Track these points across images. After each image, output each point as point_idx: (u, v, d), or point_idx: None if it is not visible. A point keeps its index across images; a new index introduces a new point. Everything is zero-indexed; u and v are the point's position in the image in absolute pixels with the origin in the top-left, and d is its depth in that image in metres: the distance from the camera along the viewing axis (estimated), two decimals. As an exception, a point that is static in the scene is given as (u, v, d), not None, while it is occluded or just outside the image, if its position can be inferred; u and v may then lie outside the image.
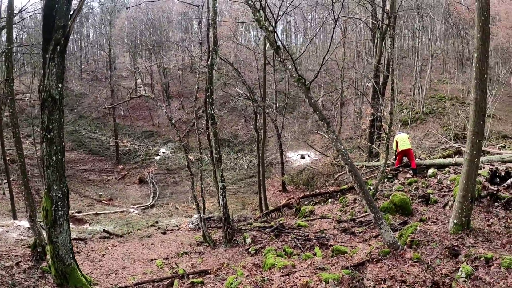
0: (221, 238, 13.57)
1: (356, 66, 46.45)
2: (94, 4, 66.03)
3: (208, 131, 15.77)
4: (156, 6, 58.64)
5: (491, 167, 12.19)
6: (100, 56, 70.20)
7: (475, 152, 8.08)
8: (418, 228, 8.85)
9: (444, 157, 18.06)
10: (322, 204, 16.35)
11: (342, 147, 8.32)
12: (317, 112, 8.28)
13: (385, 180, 15.83)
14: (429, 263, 7.50)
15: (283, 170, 30.78)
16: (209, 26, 13.05)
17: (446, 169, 14.69)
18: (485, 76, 7.84)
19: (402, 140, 15.76)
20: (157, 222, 20.40)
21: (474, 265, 7.03)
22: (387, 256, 8.02)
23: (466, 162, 8.25)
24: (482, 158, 14.81)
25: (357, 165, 19.79)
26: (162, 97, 55.72)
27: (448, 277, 6.84)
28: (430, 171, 14.61)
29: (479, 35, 7.81)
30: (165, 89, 56.74)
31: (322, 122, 8.25)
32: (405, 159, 16.18)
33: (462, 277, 6.70)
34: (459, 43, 52.74)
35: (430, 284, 6.64)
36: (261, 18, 8.48)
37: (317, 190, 18.44)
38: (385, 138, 13.43)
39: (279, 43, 8.72)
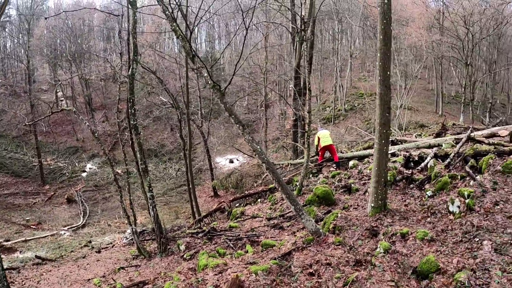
0: (156, 249, 13.45)
1: (278, 69, 47.61)
2: (11, 12, 60.99)
3: (132, 142, 15.51)
4: (77, 14, 56.08)
5: (406, 153, 13.02)
6: (18, 69, 65.92)
7: (383, 141, 8.80)
8: (339, 215, 9.36)
9: (365, 148, 18.90)
10: (252, 204, 16.60)
11: (258, 147, 8.64)
12: (233, 116, 8.58)
13: (310, 175, 16.35)
14: (352, 244, 7.95)
15: (213, 176, 30.84)
16: (129, 35, 12.88)
17: (366, 159, 15.45)
18: (388, 73, 8.56)
19: (324, 136, 16.35)
20: (90, 242, 19.73)
21: (391, 241, 7.58)
22: (311, 243, 8.41)
23: (376, 151, 8.98)
24: (400, 146, 15.77)
25: (282, 164, 20.34)
26: (85, 109, 53.49)
27: (369, 255, 7.30)
28: (351, 162, 15.30)
29: (381, 37, 8.50)
30: (87, 101, 54.56)
31: (237, 125, 8.52)
32: (328, 154, 16.78)
33: (381, 252, 7.20)
34: (376, 43, 55.40)
35: (353, 263, 7.05)
36: (177, 28, 8.61)
37: (246, 192, 18.70)
38: (306, 136, 13.90)
39: (204, 50, 8.85)
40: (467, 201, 8.01)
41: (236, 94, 52.76)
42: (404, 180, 11.04)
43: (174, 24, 8.59)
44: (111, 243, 18.57)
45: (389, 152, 14.51)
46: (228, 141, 39.92)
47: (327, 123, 42.63)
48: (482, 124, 34.54)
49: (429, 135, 19.12)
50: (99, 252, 16.76)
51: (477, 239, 6.75)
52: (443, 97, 46.92)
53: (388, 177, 11.07)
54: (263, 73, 40.04)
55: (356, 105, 44.40)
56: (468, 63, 37.93)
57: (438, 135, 17.66)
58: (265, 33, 37.90)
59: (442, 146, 13.67)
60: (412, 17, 49.43)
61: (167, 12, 8.66)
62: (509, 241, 6.44)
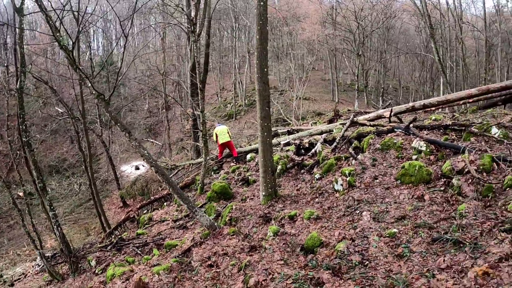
0: (68, 270, 13.05)
1: (178, 69, 47.43)
2: None
3: (27, 161, 14.76)
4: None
5: (297, 141, 13.78)
6: None
7: (265, 133, 9.38)
8: (234, 207, 9.77)
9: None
10: (159, 209, 16.52)
11: (146, 152, 8.75)
12: (118, 124, 8.61)
13: (212, 173, 16.62)
14: (247, 233, 8.36)
15: (119, 185, 30.02)
16: (16, 46, 12.17)
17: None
18: (265, 70, 9.16)
19: (222, 133, 16.43)
20: (1, 276, 18.47)
21: (281, 224, 8.10)
22: (208, 237, 8.72)
23: (260, 143, 9.54)
24: (295, 135, 16.54)
25: (184, 164, 20.44)
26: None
27: (263, 240, 7.76)
28: (249, 156, 15.75)
29: (258, 36, 9.02)
30: (-23, 119, 50.36)
31: (124, 132, 8.56)
32: (228, 150, 17.14)
33: (271, 236, 7.68)
34: (273, 39, 56.99)
35: (248, 249, 7.44)
36: (61, 38, 8.43)
37: (152, 197, 18.57)
38: (201, 135, 14.13)
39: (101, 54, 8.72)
40: (348, 178, 8.79)
41: (136, 98, 51.81)
42: (296, 167, 11.70)
43: (57, 34, 8.37)
44: (23, 273, 17.50)
45: (284, 141, 15.37)
46: (132, 147, 38.85)
47: (229, 119, 43.34)
48: (375, 107, 37.05)
49: (324, 122, 20.26)
50: (12, 285, 15.79)
51: (358, 212, 7.44)
52: (339, 86, 49.63)
53: (280, 165, 11.76)
54: (162, 74, 39.68)
55: (256, 99, 45.42)
56: (360, 53, 40.51)
57: (330, 121, 18.75)
58: (162, 34, 37.63)
59: (333, 131, 14.62)
60: (307, 13, 51.80)
61: (50, 22, 8.34)
62: (386, 209, 7.17)
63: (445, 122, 10.88)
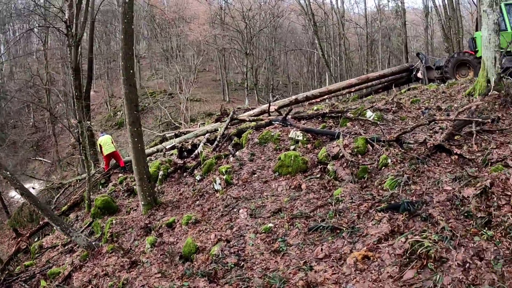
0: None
1: (63, 77, 44.64)
2: None
3: None
4: None
5: (181, 144, 13.33)
6: None
7: (136, 139, 8.81)
8: (114, 221, 9.11)
9: (152, 147, 19.01)
10: (51, 233, 15.24)
11: (8, 173, 7.93)
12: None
13: (100, 186, 15.65)
14: (129, 247, 7.81)
15: (8, 214, 27.33)
16: None
17: (152, 157, 15.46)
18: (131, 71, 8.61)
19: (106, 143, 15.46)
20: None
21: (159, 233, 7.67)
22: (87, 258, 8.04)
23: (131, 150, 9.01)
24: (181, 138, 16.11)
25: (70, 182, 19.14)
26: None
27: (143, 253, 7.28)
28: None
29: (122, 36, 8.45)
30: None
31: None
32: (114, 161, 16.27)
33: (149, 248, 7.22)
34: (162, 41, 55.77)
35: (128, 265, 6.92)
36: None
37: (41, 222, 17.06)
38: (81, 148, 13.22)
39: None
40: (224, 177, 8.57)
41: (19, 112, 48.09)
42: (179, 170, 11.21)
43: None
44: None
45: (169, 145, 14.90)
46: (19, 169, 35.85)
47: (120, 127, 41.63)
48: (261, 104, 37.85)
49: (212, 122, 20.01)
50: None
51: (236, 210, 7.21)
52: (230, 85, 49.96)
53: (162, 171, 11.28)
54: (45, 84, 37.11)
55: (147, 104, 44.14)
56: (248, 52, 40.89)
57: (217, 120, 18.50)
58: (44, 39, 35.21)
59: (218, 130, 14.41)
60: (196, 14, 51.40)
61: None
62: (262, 204, 7.02)
63: (323, 111, 11.07)
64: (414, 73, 18.54)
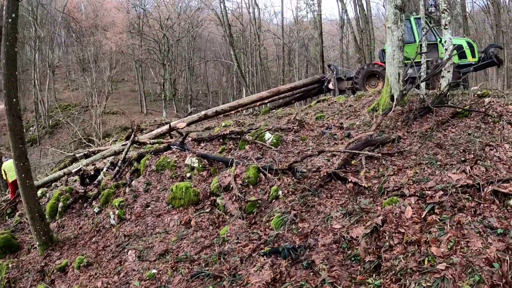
0: None
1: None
2: None
3: None
4: None
5: (82, 171, 12.26)
6: None
7: (23, 175, 7.94)
8: (10, 265, 8.24)
9: (61, 168, 17.84)
10: None
11: None
12: None
13: (6, 217, 14.34)
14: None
15: None
16: None
17: (58, 182, 14.37)
18: (14, 100, 7.75)
19: (10, 169, 14.19)
20: None
21: (52, 279, 7.01)
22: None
23: (20, 186, 8.09)
24: (89, 159, 15.16)
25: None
26: None
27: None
28: (40, 191, 13.91)
29: (4, 61, 7.64)
30: None
31: None
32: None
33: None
34: (79, 50, 53.38)
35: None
36: None
37: None
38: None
39: None
40: (117, 212, 8.03)
41: None
42: (80, 200, 10.41)
43: None
44: None
45: (76, 169, 13.93)
46: None
47: (33, 145, 39.16)
48: (177, 117, 37.19)
49: (124, 140, 19.01)
50: None
51: (126, 250, 6.74)
52: (148, 96, 48.86)
53: (62, 202, 10.41)
54: None
55: (61, 118, 41.89)
56: (165, 63, 40.12)
57: (128, 138, 17.60)
58: None
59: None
60: (114, 22, 49.67)
61: None
62: (151, 244, 6.59)
63: (223, 132, 10.58)
64: (325, 84, 18.85)
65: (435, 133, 7.88)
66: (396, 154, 7.23)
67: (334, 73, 18.54)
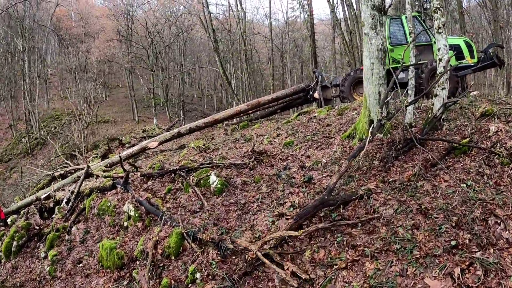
0: None
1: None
2: None
3: None
4: None
5: (40, 203, 11.49)
6: None
7: None
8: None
9: (38, 189, 17.35)
10: None
11: None
12: None
13: None
14: None
15: None
16: None
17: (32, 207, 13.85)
18: None
19: None
20: None
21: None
22: None
23: None
24: (59, 183, 14.61)
25: None
26: None
27: None
28: (9, 220, 13.30)
29: None
30: None
31: None
32: None
33: None
34: (68, 58, 52.89)
35: None
36: None
37: None
38: None
39: None
40: (48, 269, 7.41)
41: None
42: (35, 238, 9.87)
43: None
44: None
45: (44, 195, 13.39)
46: None
47: (25, 156, 38.67)
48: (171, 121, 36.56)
49: (99, 159, 18.25)
50: None
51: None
52: (143, 102, 48.28)
53: (16, 241, 9.85)
54: None
55: (53, 128, 41.36)
56: (154, 70, 39.39)
57: (103, 157, 17.02)
58: None
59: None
60: (104, 29, 49.14)
61: None
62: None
63: (173, 168, 9.29)
64: (311, 93, 17.57)
65: (421, 183, 5.89)
66: (360, 224, 5.42)
67: (319, 80, 17.23)
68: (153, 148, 13.98)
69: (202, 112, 55.24)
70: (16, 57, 46.47)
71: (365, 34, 8.41)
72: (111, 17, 45.19)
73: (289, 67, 45.31)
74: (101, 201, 8.91)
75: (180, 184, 8.49)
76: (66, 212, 9.68)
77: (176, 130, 14.41)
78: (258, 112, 18.50)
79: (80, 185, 10.24)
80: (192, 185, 8.00)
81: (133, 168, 10.45)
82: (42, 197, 13.63)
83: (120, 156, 11.94)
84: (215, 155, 10.17)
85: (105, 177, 10.29)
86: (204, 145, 11.48)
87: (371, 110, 8.21)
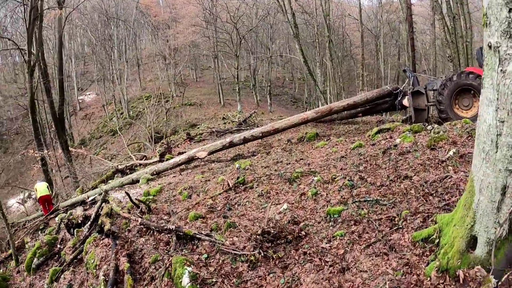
0: None
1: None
2: None
3: None
4: None
5: (67, 219, 10.68)
6: None
7: None
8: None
9: (101, 181, 17.34)
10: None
11: None
12: None
13: (40, 232, 14.10)
14: None
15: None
16: None
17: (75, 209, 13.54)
18: None
19: (40, 188, 15.97)
20: None
21: None
22: None
23: None
24: (110, 184, 14.29)
25: (25, 220, 17.93)
26: None
27: None
28: (57, 218, 13.11)
29: None
30: None
31: None
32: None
33: None
34: (160, 43, 54.29)
35: None
36: None
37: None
38: None
39: None
40: None
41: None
42: (55, 256, 9.31)
43: None
44: None
45: (90, 199, 13.07)
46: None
47: (114, 135, 40.26)
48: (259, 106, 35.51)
49: (156, 156, 17.41)
50: None
51: None
52: (230, 85, 47.82)
53: (37, 257, 9.38)
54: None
55: (141, 109, 42.45)
56: (238, 54, 38.37)
57: (162, 156, 16.41)
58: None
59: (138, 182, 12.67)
60: (188, 14, 49.58)
61: None
62: None
63: (170, 226, 6.87)
64: (399, 98, 14.07)
65: None
66: None
67: (411, 83, 13.65)
68: (202, 158, 12.98)
69: (292, 96, 53.83)
70: (109, 43, 48.45)
71: (488, 46, 3.48)
72: (195, 3, 44.89)
73: (382, 53, 41.82)
74: (92, 249, 7.58)
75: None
76: (80, 238, 8.81)
77: (228, 140, 13.12)
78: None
79: (98, 211, 9.23)
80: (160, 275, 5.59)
81: (146, 207, 8.66)
82: (89, 200, 13.35)
83: (156, 171, 11.15)
84: (238, 205, 7.90)
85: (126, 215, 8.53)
86: (238, 179, 9.18)
87: (478, 217, 3.82)
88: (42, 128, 24.22)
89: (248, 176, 9.30)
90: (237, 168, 10.58)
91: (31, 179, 33.98)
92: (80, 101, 56.26)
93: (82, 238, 8.44)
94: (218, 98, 43.58)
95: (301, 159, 10.03)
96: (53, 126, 25.04)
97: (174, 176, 12.33)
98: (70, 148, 26.14)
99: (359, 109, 15.69)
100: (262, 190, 8.06)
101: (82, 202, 14.25)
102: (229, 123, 25.16)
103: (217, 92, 44.45)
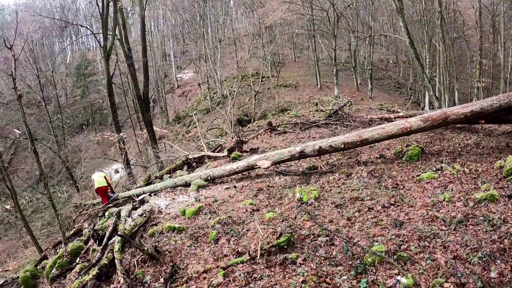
0: None
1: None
2: None
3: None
4: None
5: (93, 230, 9.51)
6: None
7: None
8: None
9: (173, 169, 16.38)
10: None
11: None
12: None
13: (98, 219, 13.80)
14: None
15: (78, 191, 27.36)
16: None
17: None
18: None
19: (97, 179, 15.73)
20: None
21: None
22: None
23: None
24: (163, 183, 13.16)
25: (91, 203, 17.93)
26: None
27: None
28: (106, 213, 12.30)
29: None
30: None
31: None
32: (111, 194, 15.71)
33: None
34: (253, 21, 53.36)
35: None
36: None
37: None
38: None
39: None
40: None
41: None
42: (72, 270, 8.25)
43: None
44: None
45: (139, 197, 12.02)
46: (99, 152, 36.17)
47: (207, 113, 40.08)
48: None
49: (229, 150, 15.83)
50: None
51: None
52: (328, 66, 45.21)
53: (56, 268, 8.52)
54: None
55: (236, 89, 41.53)
56: (335, 34, 35.35)
57: (230, 151, 14.81)
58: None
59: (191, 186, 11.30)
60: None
61: None
62: None
63: None
64: None
65: None
66: None
67: None
68: (265, 168, 10.99)
69: (395, 81, 49.62)
70: (201, 22, 48.33)
71: None
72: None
73: (502, 36, 36.02)
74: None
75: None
76: (93, 261, 7.48)
77: (298, 149, 10.57)
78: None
79: (113, 232, 7.81)
80: None
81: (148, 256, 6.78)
82: (138, 198, 12.33)
83: (210, 176, 9.46)
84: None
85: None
86: (279, 237, 6.08)
87: None
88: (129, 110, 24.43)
89: (302, 227, 6.66)
90: (297, 199, 8.14)
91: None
92: (179, 79, 58.01)
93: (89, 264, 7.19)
94: (315, 80, 41.19)
95: (391, 204, 6.96)
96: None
97: (226, 188, 10.37)
98: (155, 128, 26.07)
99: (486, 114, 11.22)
100: (305, 275, 5.14)
101: (139, 195, 13.28)
102: (320, 111, 22.92)
103: (315, 74, 42.01)
